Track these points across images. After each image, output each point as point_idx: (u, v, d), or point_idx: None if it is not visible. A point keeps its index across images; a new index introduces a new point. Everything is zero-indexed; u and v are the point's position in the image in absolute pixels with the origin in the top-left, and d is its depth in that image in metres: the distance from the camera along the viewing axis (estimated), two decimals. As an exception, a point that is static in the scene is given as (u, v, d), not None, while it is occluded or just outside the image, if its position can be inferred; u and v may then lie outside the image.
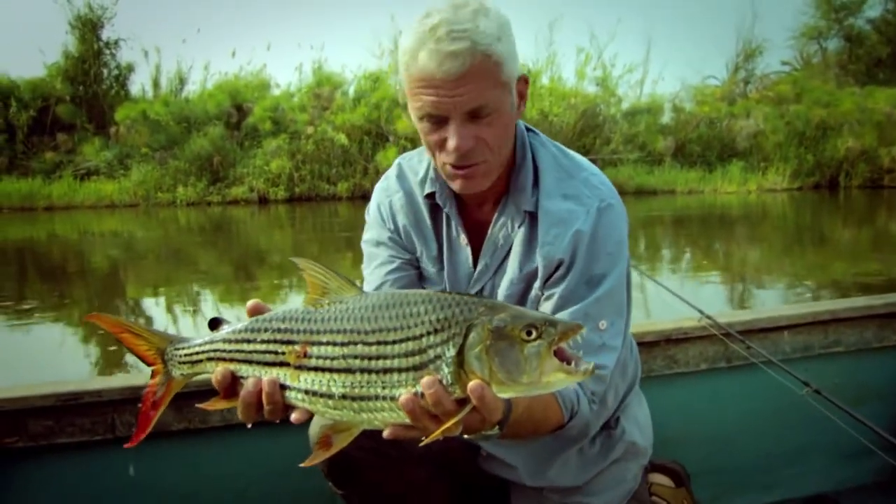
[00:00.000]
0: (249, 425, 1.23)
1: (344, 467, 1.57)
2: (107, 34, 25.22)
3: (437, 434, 1.09)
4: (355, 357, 1.11)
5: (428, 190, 1.66)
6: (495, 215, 1.61)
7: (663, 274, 8.81)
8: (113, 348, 5.79)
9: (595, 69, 25.13)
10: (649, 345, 2.36)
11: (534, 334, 1.07)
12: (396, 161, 1.77)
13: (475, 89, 1.37)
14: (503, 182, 1.59)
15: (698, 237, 13.49)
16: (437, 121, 1.43)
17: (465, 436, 1.21)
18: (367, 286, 1.70)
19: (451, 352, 1.08)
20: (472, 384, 1.06)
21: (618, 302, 1.55)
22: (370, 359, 1.11)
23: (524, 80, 1.50)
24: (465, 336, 1.08)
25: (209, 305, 7.60)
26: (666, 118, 26.05)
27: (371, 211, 1.76)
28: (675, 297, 2.59)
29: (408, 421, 1.11)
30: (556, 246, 1.51)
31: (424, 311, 1.10)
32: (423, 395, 1.08)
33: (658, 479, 2.01)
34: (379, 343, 1.10)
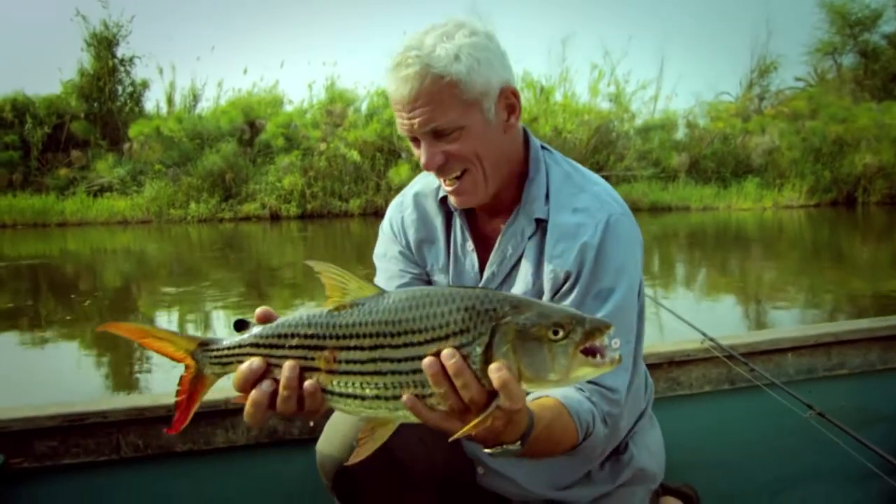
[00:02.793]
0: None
1: (350, 483, 1.60)
2: (122, 51, 25.49)
3: (471, 427, 1.09)
4: (384, 360, 1.12)
5: (442, 193, 1.69)
6: (505, 224, 1.62)
7: (677, 293, 8.68)
8: (120, 368, 5.70)
9: (608, 85, 25.13)
10: (652, 367, 2.33)
11: (561, 333, 1.07)
12: (417, 177, 1.82)
13: (429, 111, 1.45)
14: (516, 194, 1.62)
15: (713, 255, 13.36)
16: (413, 140, 1.53)
17: (487, 449, 1.24)
18: None
19: (477, 351, 1.08)
20: (492, 366, 1.06)
21: (629, 320, 1.56)
22: (399, 361, 1.11)
23: (510, 93, 1.54)
24: (492, 335, 1.07)
25: (222, 323, 7.52)
26: (680, 134, 26.00)
27: (384, 226, 1.80)
28: (678, 318, 2.59)
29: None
30: (564, 259, 1.53)
31: (449, 311, 1.09)
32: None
33: (671, 502, 1.97)
34: (406, 345, 1.10)
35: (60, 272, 12.55)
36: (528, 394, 1.39)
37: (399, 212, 1.78)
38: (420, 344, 1.09)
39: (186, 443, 2.04)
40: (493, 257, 1.64)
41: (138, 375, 5.74)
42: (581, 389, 1.45)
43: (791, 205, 22.76)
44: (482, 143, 1.51)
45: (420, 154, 1.52)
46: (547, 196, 1.60)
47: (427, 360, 1.08)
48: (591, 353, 1.09)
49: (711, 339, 2.39)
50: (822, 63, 32.66)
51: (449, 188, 1.57)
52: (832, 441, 2.07)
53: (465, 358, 1.08)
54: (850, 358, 2.56)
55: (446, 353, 1.07)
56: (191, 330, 7.36)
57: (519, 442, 1.23)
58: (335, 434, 1.60)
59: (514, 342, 1.06)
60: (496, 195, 1.60)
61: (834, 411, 2.10)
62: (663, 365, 2.39)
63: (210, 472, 2.09)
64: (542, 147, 1.68)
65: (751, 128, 25.16)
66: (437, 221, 1.72)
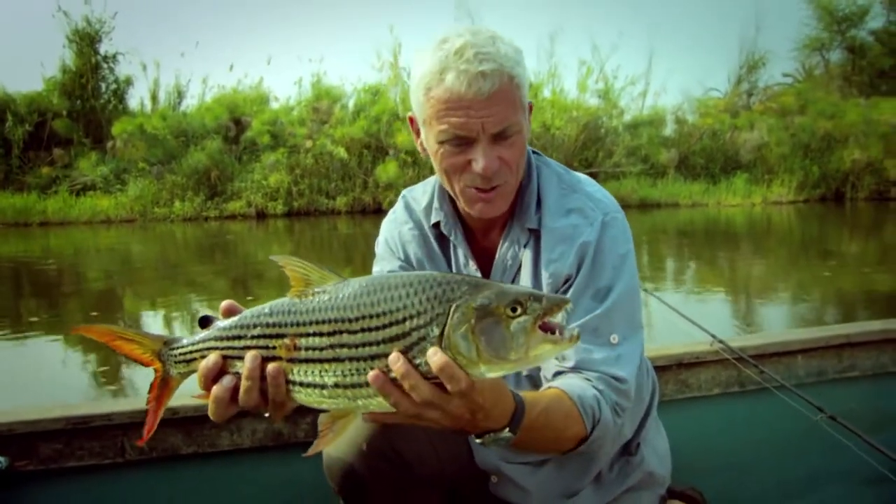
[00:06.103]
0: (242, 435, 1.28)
1: (357, 486, 1.58)
2: (105, 48, 25.15)
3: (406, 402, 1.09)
4: (342, 346, 1.11)
5: (434, 219, 1.68)
6: (502, 237, 1.63)
7: (668, 290, 8.66)
8: (105, 367, 5.52)
9: (597, 81, 25.09)
10: (661, 369, 2.33)
11: (518, 310, 1.06)
12: (401, 194, 1.80)
13: (503, 110, 1.41)
14: (510, 204, 1.62)
15: (702, 251, 13.37)
16: (462, 143, 1.45)
17: (478, 439, 1.23)
18: None
19: (434, 332, 1.07)
20: (429, 352, 1.05)
21: (628, 315, 1.54)
22: (357, 346, 1.10)
23: (530, 106, 1.55)
24: (449, 316, 1.07)
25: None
26: (668, 130, 26.11)
27: (380, 244, 1.77)
28: (687, 320, 2.60)
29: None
30: (563, 262, 1.53)
31: (406, 294, 1.09)
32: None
33: (677, 506, 1.94)
34: (363, 330, 1.10)
35: (43, 272, 12.33)
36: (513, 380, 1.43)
37: (395, 227, 1.75)
38: (377, 329, 1.09)
39: (191, 445, 2.04)
40: (494, 270, 1.63)
41: (125, 374, 5.58)
42: (587, 379, 1.44)
43: (780, 201, 22.84)
44: (523, 151, 1.52)
45: (473, 157, 1.45)
46: (538, 203, 1.60)
47: (372, 375, 1.08)
48: (550, 331, 1.08)
49: (721, 342, 2.38)
50: (809, 59, 32.87)
51: (480, 195, 1.51)
52: (843, 444, 2.05)
53: (422, 340, 1.07)
54: (861, 360, 2.56)
55: (392, 357, 1.07)
56: (176, 328, 7.22)
57: (507, 428, 1.22)
58: (342, 436, 1.54)
59: (471, 322, 1.06)
60: None
61: (845, 414, 2.08)
62: (672, 367, 2.38)
63: (215, 474, 2.09)
64: (533, 151, 1.67)
65: (739, 124, 25.25)
66: (434, 244, 1.70)
